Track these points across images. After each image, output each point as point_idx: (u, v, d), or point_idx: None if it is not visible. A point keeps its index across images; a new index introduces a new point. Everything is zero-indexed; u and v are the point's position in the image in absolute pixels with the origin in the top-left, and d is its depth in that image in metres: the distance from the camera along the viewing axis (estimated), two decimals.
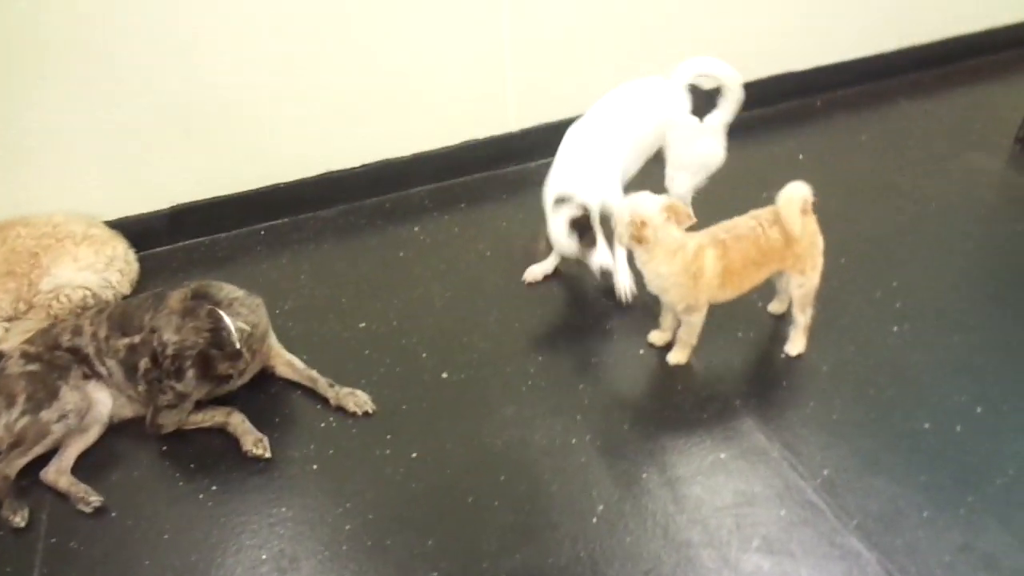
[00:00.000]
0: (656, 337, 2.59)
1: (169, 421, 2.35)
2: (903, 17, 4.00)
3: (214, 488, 2.25)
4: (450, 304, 2.86)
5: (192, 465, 2.34)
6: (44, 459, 2.30)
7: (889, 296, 2.75)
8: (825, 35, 3.88)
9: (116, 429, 2.44)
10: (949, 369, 2.46)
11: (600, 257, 2.53)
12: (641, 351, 2.58)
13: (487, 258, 3.07)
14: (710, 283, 2.30)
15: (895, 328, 2.61)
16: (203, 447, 2.38)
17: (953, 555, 1.93)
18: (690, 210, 2.29)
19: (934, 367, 2.47)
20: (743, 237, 2.28)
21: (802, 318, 2.47)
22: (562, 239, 2.58)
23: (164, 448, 2.38)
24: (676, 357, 2.50)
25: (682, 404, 2.39)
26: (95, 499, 2.19)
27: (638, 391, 2.48)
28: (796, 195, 2.25)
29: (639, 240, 2.23)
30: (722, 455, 2.22)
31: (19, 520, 2.15)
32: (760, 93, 3.81)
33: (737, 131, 2.80)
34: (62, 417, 2.28)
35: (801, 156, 3.57)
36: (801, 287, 2.40)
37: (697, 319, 2.39)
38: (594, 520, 2.07)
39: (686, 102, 2.80)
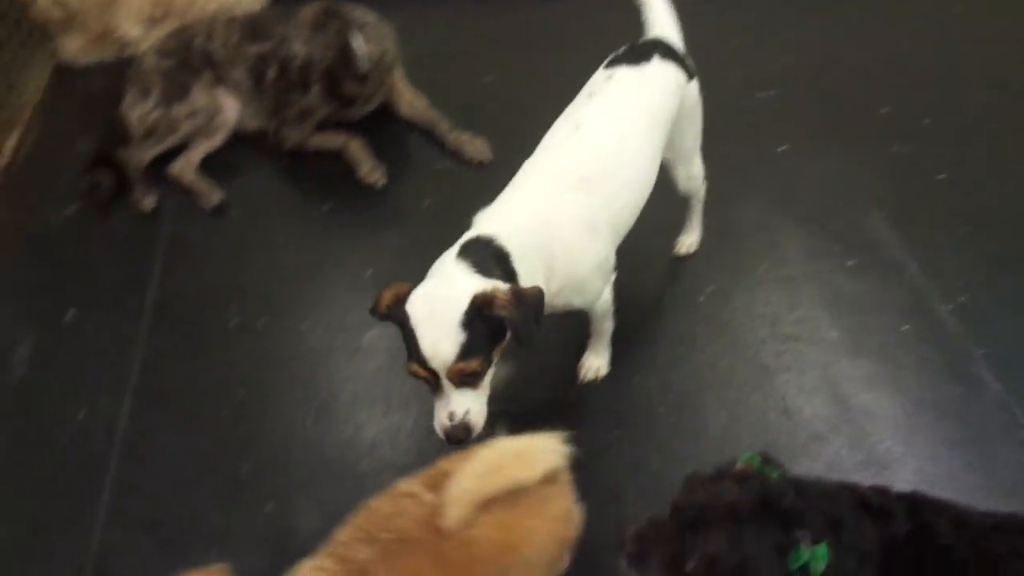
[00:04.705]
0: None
1: (292, 136, 2.36)
2: None
3: (327, 206, 2.29)
4: (589, 73, 2.67)
5: (308, 183, 2.37)
6: (172, 157, 2.37)
7: None
8: None
9: (241, 140, 2.47)
10: None
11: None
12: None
13: (641, 28, 2.83)
14: None
15: None
16: (321, 169, 2.39)
17: None
18: None
19: None
20: (411, 546, 1.14)
21: None
22: None
23: (284, 164, 2.42)
24: None
25: (810, 211, 2.20)
26: (217, 195, 2.26)
27: (772, 191, 2.30)
28: (541, 457, 1.17)
29: None
30: (849, 263, 2.06)
31: (149, 203, 2.26)
32: None
33: None
34: (191, 115, 2.32)
35: None
36: None
37: None
38: (701, 298, 2.00)
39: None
